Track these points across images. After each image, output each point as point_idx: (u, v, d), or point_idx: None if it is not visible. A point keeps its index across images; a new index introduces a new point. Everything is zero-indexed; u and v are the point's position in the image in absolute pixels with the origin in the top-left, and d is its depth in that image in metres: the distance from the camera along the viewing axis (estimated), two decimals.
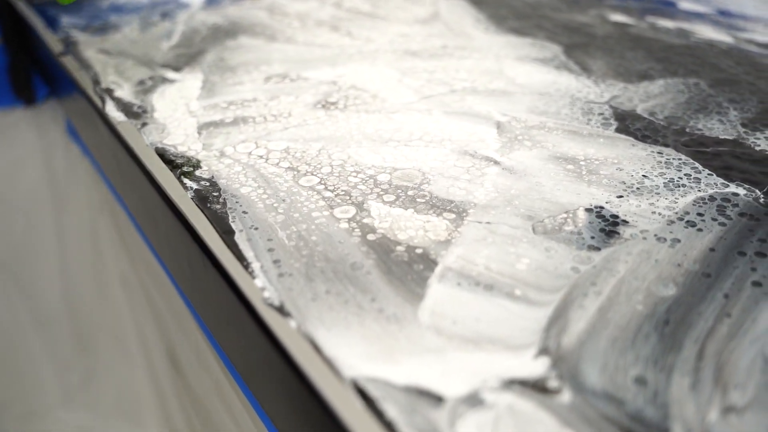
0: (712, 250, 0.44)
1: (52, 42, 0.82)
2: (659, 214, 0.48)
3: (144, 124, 0.62)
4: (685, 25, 0.82)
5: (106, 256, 1.09)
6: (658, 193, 0.50)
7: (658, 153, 0.55)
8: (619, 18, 0.85)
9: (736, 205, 0.49)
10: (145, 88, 0.69)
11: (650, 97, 0.65)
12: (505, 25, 0.83)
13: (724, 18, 0.84)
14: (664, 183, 0.51)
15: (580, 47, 0.76)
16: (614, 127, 0.59)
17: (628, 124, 0.60)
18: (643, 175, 0.52)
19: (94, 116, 0.68)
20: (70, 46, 0.80)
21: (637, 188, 0.51)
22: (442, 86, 0.67)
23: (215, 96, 0.67)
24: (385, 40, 0.79)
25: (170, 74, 0.72)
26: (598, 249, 0.44)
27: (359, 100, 0.65)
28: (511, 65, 0.72)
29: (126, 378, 1.19)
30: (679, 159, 0.54)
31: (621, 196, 0.50)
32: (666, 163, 0.54)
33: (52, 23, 0.88)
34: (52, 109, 1.04)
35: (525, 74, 0.70)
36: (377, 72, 0.71)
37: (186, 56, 0.76)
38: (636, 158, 0.55)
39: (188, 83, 0.70)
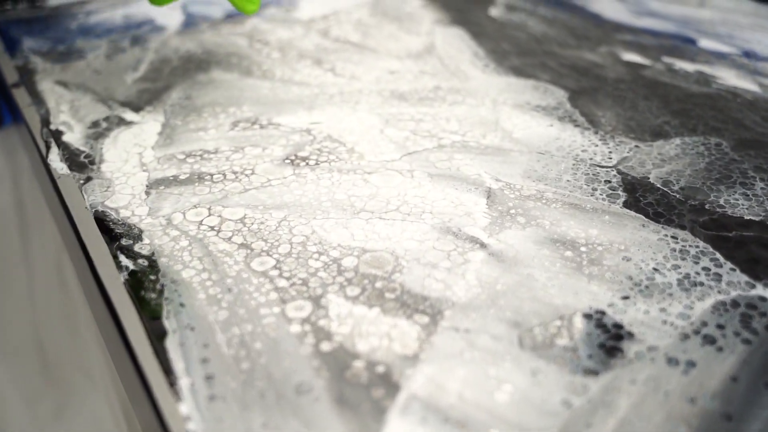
0: (734, 379, 0.37)
1: (7, 70, 0.75)
2: (671, 324, 0.40)
3: (88, 179, 0.55)
4: (706, 69, 0.74)
5: (72, 287, 1.02)
6: (671, 294, 0.43)
7: (672, 238, 0.48)
8: (633, 57, 0.77)
9: (764, 314, 0.41)
10: (98, 131, 0.62)
11: (665, 160, 0.57)
12: (506, 63, 0.76)
13: (749, 60, 0.76)
14: (678, 280, 0.44)
15: (587, 93, 0.69)
16: (622, 199, 0.52)
17: (639, 196, 0.53)
18: (654, 268, 0.45)
19: (38, 161, 0.61)
20: (26, 75, 0.74)
21: (647, 286, 0.43)
22: (428, 140, 0.60)
23: (173, 145, 0.60)
24: (371, 78, 0.72)
25: (129, 115, 0.65)
26: (596, 373, 0.37)
27: (333, 155, 0.58)
28: (508, 114, 0.64)
29: (96, 411, 1.12)
30: (697, 247, 0.47)
31: (627, 297, 0.43)
32: (681, 251, 0.47)
33: (13, 45, 0.82)
34: (22, 133, 0.97)
35: (524, 126, 0.62)
36: (358, 119, 0.64)
37: (150, 92, 0.69)
38: (646, 244, 0.47)
39: (146, 127, 0.63)
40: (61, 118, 0.65)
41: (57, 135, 0.62)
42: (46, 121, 0.64)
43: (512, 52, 0.79)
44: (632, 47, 0.80)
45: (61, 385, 1.19)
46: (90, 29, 0.87)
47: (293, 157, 0.57)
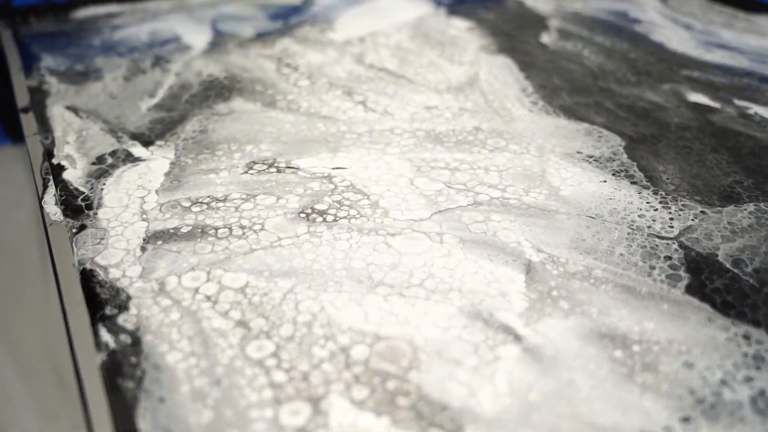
0: None
1: (20, 91, 0.71)
2: None
3: (82, 228, 0.50)
4: None
5: None
6: (742, 419, 0.36)
7: (744, 338, 0.41)
8: (700, 99, 0.69)
9: None
10: (102, 168, 0.57)
11: (736, 232, 0.50)
12: (557, 101, 0.69)
13: None
14: (750, 398, 0.37)
15: (647, 142, 0.61)
16: (685, 283, 0.45)
17: (705, 278, 0.45)
18: (722, 380, 0.38)
19: (35, 199, 0.57)
20: (38, 97, 0.70)
21: (712, 405, 0.36)
22: (463, 194, 0.53)
23: (180, 188, 0.55)
24: (405, 115, 0.66)
25: (138, 149, 0.60)
26: None
27: (354, 209, 0.52)
28: (556, 165, 0.58)
29: None
30: None
31: (687, 419, 0.36)
32: (755, 358, 0.39)
33: (32, 62, 0.78)
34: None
35: (573, 182, 0.55)
36: (386, 165, 0.57)
37: (163, 123, 0.65)
38: (712, 345, 0.40)
39: (154, 165, 0.58)
40: (66, 151, 0.60)
41: (58, 170, 0.57)
42: (49, 154, 0.60)
43: (564, 88, 0.72)
44: (699, 86, 0.72)
45: (78, 404, 1.16)
46: (113, 46, 0.82)
47: (309, 211, 0.52)
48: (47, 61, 0.78)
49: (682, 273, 0.46)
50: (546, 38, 0.85)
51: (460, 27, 0.88)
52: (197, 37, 0.85)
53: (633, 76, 0.75)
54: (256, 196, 0.54)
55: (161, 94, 0.70)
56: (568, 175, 0.56)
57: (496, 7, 0.96)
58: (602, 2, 0.98)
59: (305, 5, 0.96)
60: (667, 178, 0.56)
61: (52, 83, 0.73)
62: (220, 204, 0.53)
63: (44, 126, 0.64)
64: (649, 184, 0.55)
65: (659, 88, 0.72)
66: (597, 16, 0.93)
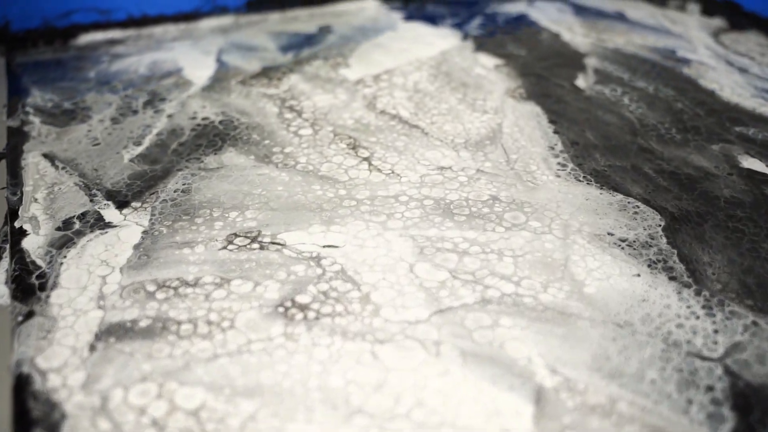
0: None
1: None
2: None
3: (29, 315, 0.44)
4: None
5: None
6: None
7: None
8: (756, 165, 0.61)
9: None
10: (67, 236, 0.52)
11: None
12: (589, 163, 0.61)
13: None
14: None
15: (691, 221, 0.53)
16: (729, 427, 0.37)
17: (756, 422, 0.37)
18: None
19: None
20: (17, 140, 0.64)
21: None
22: (470, 288, 0.46)
23: (148, 266, 0.49)
24: (414, 177, 0.59)
25: (110, 213, 0.54)
26: None
27: (341, 304, 0.45)
28: (582, 251, 0.50)
29: None
30: None
31: None
32: None
33: (20, 96, 0.73)
34: None
35: (601, 275, 0.48)
36: (386, 244, 0.51)
37: (144, 179, 0.59)
38: None
39: (124, 234, 0.52)
40: (32, 211, 0.54)
41: (19, 236, 0.52)
42: (13, 214, 0.54)
43: (598, 145, 0.64)
44: (755, 147, 0.64)
45: None
46: (109, 78, 0.77)
47: (289, 304, 0.45)
48: (35, 97, 0.73)
49: (725, 412, 0.38)
50: (582, 81, 0.77)
51: (487, 65, 0.81)
52: (199, 71, 0.79)
53: (678, 133, 0.66)
54: (231, 280, 0.47)
55: (148, 141, 0.64)
56: (595, 264, 0.49)
57: (529, 41, 0.88)
58: (647, 37, 0.90)
59: (321, 33, 0.89)
60: (713, 273, 0.48)
61: (35, 124, 0.67)
62: (189, 290, 0.46)
63: (15, 178, 0.59)
64: (690, 281, 0.47)
65: (708, 149, 0.64)
66: (640, 54, 0.84)
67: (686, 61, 0.82)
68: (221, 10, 0.93)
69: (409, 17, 0.96)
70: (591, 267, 0.49)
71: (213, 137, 0.65)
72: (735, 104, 0.72)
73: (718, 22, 0.95)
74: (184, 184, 0.58)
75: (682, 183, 0.58)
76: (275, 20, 0.94)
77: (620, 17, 0.97)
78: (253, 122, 0.67)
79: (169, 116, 0.69)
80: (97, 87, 0.75)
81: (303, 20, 0.94)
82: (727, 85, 0.76)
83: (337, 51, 0.84)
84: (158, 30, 0.90)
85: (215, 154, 0.62)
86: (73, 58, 0.83)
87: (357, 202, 0.55)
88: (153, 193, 0.57)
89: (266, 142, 0.64)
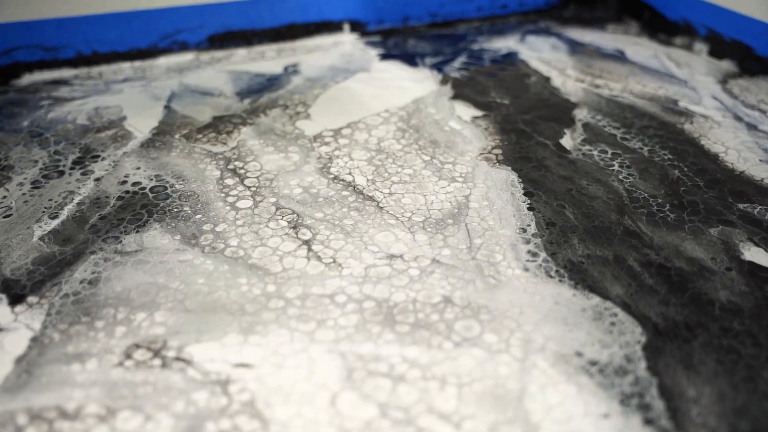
0: None
1: None
2: None
3: None
4: None
5: None
6: None
7: None
8: (760, 257, 0.52)
9: None
10: None
11: None
12: (564, 252, 0.53)
13: None
14: None
15: (678, 337, 0.45)
16: None
17: None
18: None
19: None
20: None
21: None
22: (401, 430, 0.38)
23: (27, 388, 0.41)
24: (358, 269, 0.51)
25: (0, 310, 0.47)
26: None
27: None
28: (543, 378, 0.42)
29: None
30: None
31: None
32: None
33: None
34: None
35: (561, 414, 0.40)
36: (308, 363, 0.43)
37: (49, 265, 0.51)
38: None
39: (9, 341, 0.45)
40: None
41: None
42: None
43: (578, 227, 0.56)
44: (761, 232, 0.55)
45: None
46: (43, 129, 0.70)
47: None
48: None
49: None
50: (568, 139, 0.69)
51: (463, 117, 0.73)
52: (144, 120, 0.71)
53: (672, 210, 0.58)
54: (117, 411, 0.40)
55: (66, 212, 0.57)
56: (556, 399, 0.41)
57: (515, 86, 0.80)
58: (648, 83, 0.81)
59: (286, 75, 0.82)
60: (698, 414, 0.40)
61: None
62: (66, 425, 0.39)
63: None
64: (670, 425, 0.39)
65: (705, 233, 0.55)
66: (638, 105, 0.76)
67: (689, 115, 0.74)
68: (181, 46, 0.86)
69: (387, 55, 0.88)
70: (551, 402, 0.41)
71: (139, 210, 0.57)
72: (740, 173, 0.64)
73: (727, 65, 0.86)
74: (93, 273, 0.50)
75: (671, 281, 0.50)
76: (240, 57, 0.87)
77: (620, 57, 0.89)
78: (189, 190, 0.60)
79: (97, 180, 0.61)
80: (27, 140, 0.68)
81: (270, 57, 0.87)
82: (733, 147, 0.68)
83: (299, 97, 0.77)
84: (110, 69, 0.83)
85: (137, 232, 0.55)
86: (10, 102, 0.76)
87: (285, 302, 0.48)
88: (55, 285, 0.49)
89: (198, 216, 0.56)
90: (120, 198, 0.59)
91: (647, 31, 0.97)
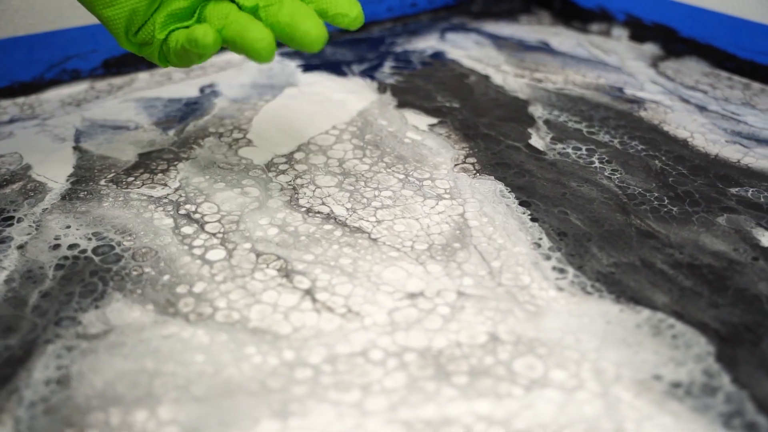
0: None
1: None
2: None
3: None
4: None
5: None
6: None
7: None
8: None
9: None
10: None
11: None
12: (590, 263, 0.49)
13: None
14: None
15: (745, 340, 0.43)
16: None
17: None
18: None
19: None
20: None
21: None
22: None
23: None
24: (380, 315, 0.44)
25: None
26: None
27: None
28: (634, 412, 0.38)
29: None
30: None
31: None
32: None
33: None
34: None
35: None
36: None
37: None
38: None
39: None
40: None
41: None
42: None
43: (591, 234, 0.52)
44: (764, 213, 0.54)
45: None
46: None
47: None
48: None
49: None
50: (537, 139, 0.66)
51: (419, 126, 0.68)
52: (53, 167, 0.61)
53: (673, 204, 0.56)
54: None
55: None
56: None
57: (457, 88, 0.76)
58: (586, 73, 0.80)
59: (205, 97, 0.73)
60: None
61: None
62: None
63: None
64: None
65: (715, 224, 0.54)
66: (587, 96, 0.74)
67: (639, 102, 0.73)
68: (72, 75, 0.75)
69: (309, 66, 0.81)
70: None
71: (89, 278, 0.48)
72: (715, 156, 0.63)
73: (651, 48, 0.87)
74: (58, 369, 0.41)
75: (708, 281, 0.48)
76: (144, 82, 0.77)
77: (546, 48, 0.87)
78: (142, 246, 0.51)
79: (21, 248, 0.50)
80: None
81: (179, 79, 0.77)
82: (696, 130, 0.67)
83: (231, 121, 0.68)
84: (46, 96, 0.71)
85: (96, 307, 0.45)
86: None
87: (313, 369, 0.41)
88: (12, 392, 0.39)
89: (165, 278, 0.48)
90: (59, 267, 0.49)
91: (561, 20, 0.97)
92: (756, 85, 0.77)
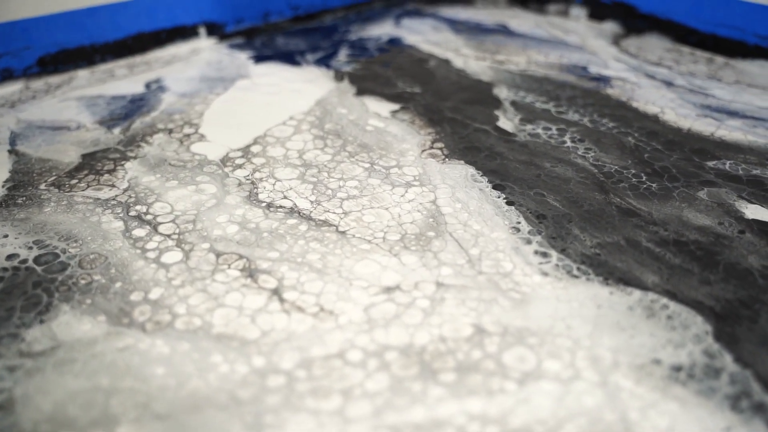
0: None
1: None
2: None
3: None
4: None
5: None
6: None
7: None
8: (761, 213, 0.50)
9: None
10: None
11: None
12: (573, 245, 0.47)
13: None
14: None
15: (742, 316, 0.40)
16: None
17: None
18: None
19: None
20: None
21: None
22: None
23: None
24: (355, 312, 0.41)
25: None
26: None
27: None
28: (637, 401, 0.35)
29: None
30: None
31: None
32: None
33: None
34: None
35: None
36: None
37: None
38: None
39: None
40: None
41: None
42: None
43: (571, 214, 0.50)
44: (744, 187, 0.53)
45: None
46: None
47: None
48: None
49: None
50: (505, 121, 0.63)
51: (381, 113, 0.65)
52: None
53: (651, 180, 0.54)
54: None
55: None
56: (665, 422, 0.34)
57: (417, 73, 0.73)
58: (548, 53, 0.78)
59: (152, 93, 0.69)
60: None
61: None
62: None
63: None
64: None
65: (696, 198, 0.52)
66: (552, 76, 0.72)
67: (605, 80, 0.71)
68: (4, 75, 0.69)
69: (260, 57, 0.77)
70: (662, 427, 0.34)
71: (32, 290, 0.43)
72: (688, 130, 0.61)
73: (610, 26, 0.85)
74: (0, 392, 0.36)
75: (697, 257, 0.46)
76: (84, 80, 0.72)
77: (505, 31, 0.85)
78: (90, 252, 0.46)
79: None
80: None
81: (122, 76, 0.73)
82: (665, 105, 0.66)
83: (180, 116, 0.64)
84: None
85: (41, 322, 0.41)
86: None
87: (287, 376, 0.37)
88: None
89: (117, 285, 0.43)
90: None
91: (517, 3, 0.95)
92: (719, 59, 0.76)
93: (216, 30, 0.81)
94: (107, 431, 0.34)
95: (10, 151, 0.59)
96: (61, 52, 0.72)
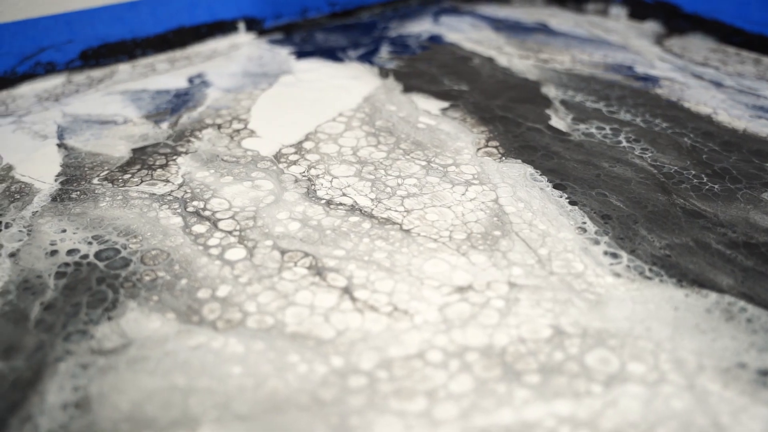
0: None
1: None
2: None
3: None
4: None
5: None
6: None
7: None
8: None
9: None
10: None
11: None
12: (642, 246, 0.46)
13: None
14: None
15: None
16: None
17: None
18: None
19: None
20: None
21: None
22: None
23: None
24: (430, 312, 0.40)
25: None
26: None
27: None
28: (726, 405, 0.35)
29: None
30: None
31: None
32: None
33: None
34: None
35: None
36: None
37: (4, 390, 0.36)
38: None
39: None
40: None
41: None
42: None
43: (636, 216, 0.49)
44: None
45: None
46: None
47: None
48: None
49: None
50: (557, 120, 0.62)
51: (431, 111, 0.64)
52: (38, 166, 0.55)
53: (713, 181, 0.53)
54: None
55: None
56: (759, 427, 0.34)
57: (463, 71, 0.72)
58: (592, 53, 0.77)
59: (195, 87, 0.68)
60: None
61: None
62: None
63: None
64: None
65: (761, 199, 0.51)
66: (598, 76, 0.71)
67: (653, 80, 0.70)
68: (47, 68, 0.69)
69: (302, 53, 0.77)
70: (754, 431, 0.33)
71: (97, 287, 0.43)
72: (743, 131, 0.61)
73: (652, 26, 0.85)
74: (75, 390, 0.36)
75: (759, 254, 0.45)
76: (126, 74, 0.71)
77: (545, 30, 0.84)
78: (151, 248, 0.46)
79: (13, 256, 0.45)
80: None
81: (163, 70, 0.72)
82: (717, 106, 0.65)
83: (228, 112, 0.64)
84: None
85: (109, 319, 0.40)
86: None
87: (368, 377, 0.36)
88: (26, 421, 0.34)
89: (183, 282, 0.43)
90: (60, 275, 0.43)
91: (553, 1, 0.94)
92: (767, 60, 0.75)
93: (255, 25, 0.80)
94: (190, 431, 0.33)
95: (59, 145, 0.58)
96: (103, 46, 0.71)
